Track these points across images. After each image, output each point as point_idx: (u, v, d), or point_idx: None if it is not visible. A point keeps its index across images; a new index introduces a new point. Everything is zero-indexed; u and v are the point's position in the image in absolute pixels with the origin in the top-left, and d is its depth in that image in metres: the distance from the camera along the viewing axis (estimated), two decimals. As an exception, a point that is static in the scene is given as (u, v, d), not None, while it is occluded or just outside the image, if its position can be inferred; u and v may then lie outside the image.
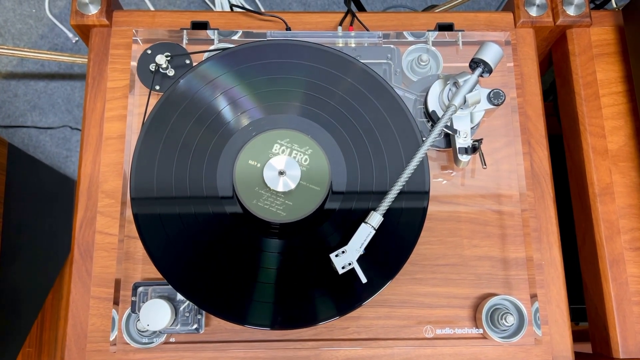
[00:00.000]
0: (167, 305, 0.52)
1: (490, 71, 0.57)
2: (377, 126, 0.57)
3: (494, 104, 0.59)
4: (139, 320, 0.53)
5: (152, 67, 0.61)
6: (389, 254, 0.55)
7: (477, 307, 0.59)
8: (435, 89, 0.60)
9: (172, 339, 0.57)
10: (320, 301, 0.54)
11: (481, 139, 0.57)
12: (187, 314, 0.55)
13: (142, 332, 0.55)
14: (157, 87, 0.61)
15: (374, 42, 0.64)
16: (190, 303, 0.55)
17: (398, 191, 0.54)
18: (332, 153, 0.56)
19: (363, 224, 0.52)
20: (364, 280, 0.51)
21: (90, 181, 0.64)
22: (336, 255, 0.52)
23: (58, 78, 1.31)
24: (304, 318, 0.53)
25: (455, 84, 0.57)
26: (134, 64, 0.64)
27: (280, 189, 0.54)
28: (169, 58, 0.61)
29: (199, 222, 0.54)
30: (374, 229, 0.52)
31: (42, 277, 1.06)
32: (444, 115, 0.56)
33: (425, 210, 0.55)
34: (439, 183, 0.63)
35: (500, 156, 0.64)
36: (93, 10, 0.69)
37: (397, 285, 0.60)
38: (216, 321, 0.58)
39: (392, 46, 0.64)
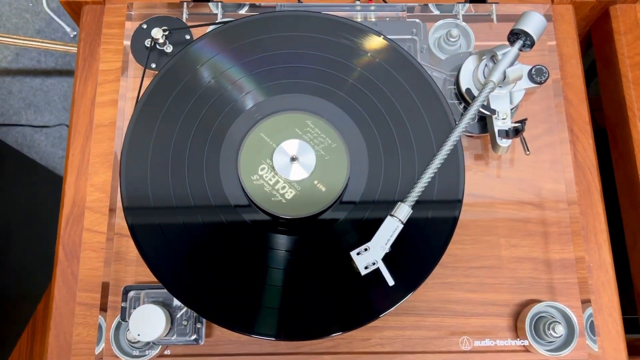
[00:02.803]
0: (162, 312, 0.45)
1: (532, 44, 0.50)
2: (404, 110, 0.50)
3: (536, 82, 0.51)
4: (128, 329, 0.45)
5: (147, 42, 0.54)
6: (418, 254, 0.47)
7: (518, 315, 0.51)
8: (469, 65, 0.52)
9: (168, 352, 0.49)
10: (337, 308, 0.46)
11: (525, 120, 0.49)
12: (184, 323, 0.47)
13: (133, 343, 0.47)
14: (153, 65, 0.54)
15: (396, 16, 0.57)
16: (189, 310, 0.47)
17: (428, 180, 0.46)
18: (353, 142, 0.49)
19: (389, 217, 0.45)
20: (391, 282, 0.44)
21: (78, 173, 0.57)
22: (358, 254, 0.44)
23: (55, 75, 1.24)
24: (319, 328, 0.46)
25: (493, 57, 0.50)
26: (127, 42, 0.57)
27: (291, 177, 0.47)
28: (166, 32, 0.54)
29: (198, 216, 0.47)
30: (402, 222, 0.45)
31: (34, 282, 0.99)
32: (480, 92, 0.48)
33: (460, 202, 0.48)
34: (472, 174, 0.55)
35: (540, 145, 0.57)
36: (84, -15, 0.62)
37: (426, 290, 0.52)
38: (219, 331, 0.51)
39: (417, 20, 0.57)
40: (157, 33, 0.53)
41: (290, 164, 0.48)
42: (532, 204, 0.55)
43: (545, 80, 0.51)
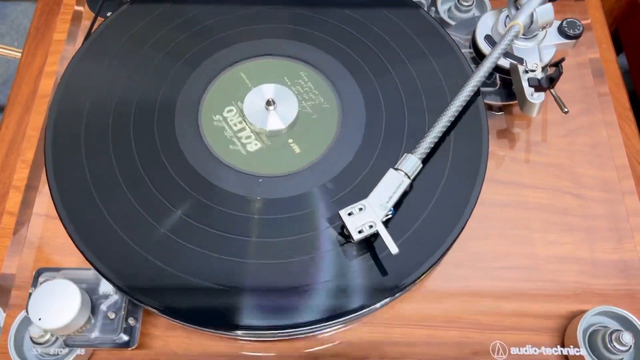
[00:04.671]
0: (75, 290, 0.32)
1: (562, -8, 0.42)
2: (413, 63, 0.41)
3: (569, 37, 0.42)
4: (27, 314, 0.32)
5: (106, -7, 0.46)
6: (428, 229, 0.36)
7: (564, 329, 0.38)
8: (486, 21, 0.44)
9: (81, 351, 0.36)
10: (313, 295, 0.33)
11: (562, 60, 0.40)
12: (111, 316, 0.34)
13: (40, 342, 0.34)
14: (109, 14, 0.45)
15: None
16: (121, 298, 0.35)
17: (443, 130, 0.36)
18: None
19: (391, 170, 0.34)
20: (394, 250, 0.31)
21: (9, 147, 0.47)
22: (349, 214, 0.32)
23: None
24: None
25: (517, 2, 0.41)
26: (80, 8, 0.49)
27: (261, 126, 0.36)
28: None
29: (139, 168, 0.36)
30: (408, 177, 0.34)
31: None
32: (503, 37, 0.39)
33: (486, 156, 0.37)
34: (494, 158, 0.45)
35: (576, 126, 0.47)
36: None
37: (442, 296, 0.40)
38: (161, 340, 0.37)
39: (423, -16, 0.49)
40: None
41: (266, 111, 0.37)
42: (572, 194, 0.44)
43: (579, 35, 0.42)
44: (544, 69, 0.42)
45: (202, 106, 0.37)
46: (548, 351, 0.36)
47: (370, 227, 0.32)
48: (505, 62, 0.42)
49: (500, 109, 0.46)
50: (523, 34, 0.41)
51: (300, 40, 0.42)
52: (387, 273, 0.33)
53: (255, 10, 0.43)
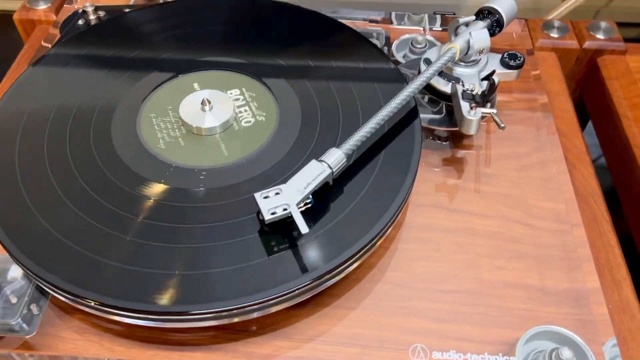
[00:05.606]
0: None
1: (501, 26, 0.44)
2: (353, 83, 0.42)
3: (510, 67, 0.43)
4: None
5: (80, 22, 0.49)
6: (337, 232, 0.34)
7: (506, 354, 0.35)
8: (432, 55, 0.45)
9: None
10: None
11: (494, 71, 0.40)
12: (13, 300, 0.32)
13: None
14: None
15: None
16: (25, 280, 0.33)
17: (372, 130, 0.36)
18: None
19: (314, 161, 0.33)
20: (304, 229, 0.30)
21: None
22: (265, 197, 0.31)
23: None
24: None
25: (457, 29, 0.43)
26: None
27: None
28: (99, 13, 0.49)
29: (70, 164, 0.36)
30: (330, 168, 0.33)
31: None
32: (440, 56, 0.40)
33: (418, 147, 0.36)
34: (441, 186, 0.44)
35: (530, 162, 0.46)
36: (43, 5, 0.60)
37: (375, 313, 0.37)
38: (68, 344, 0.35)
39: (379, 28, 0.51)
40: (89, 7, 0.48)
41: (201, 111, 0.38)
42: (522, 223, 0.42)
43: (520, 65, 0.43)
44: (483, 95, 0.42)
45: (144, 107, 0.39)
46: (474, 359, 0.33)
47: (285, 210, 0.31)
48: (448, 88, 0.43)
49: (451, 139, 0.46)
50: (463, 61, 0.42)
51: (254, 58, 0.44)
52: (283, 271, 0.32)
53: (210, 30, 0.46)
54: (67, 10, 0.58)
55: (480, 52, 0.41)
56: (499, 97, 0.50)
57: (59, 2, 0.60)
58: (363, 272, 0.39)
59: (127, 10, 0.51)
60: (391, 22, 0.53)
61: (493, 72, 0.41)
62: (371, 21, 0.53)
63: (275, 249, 0.32)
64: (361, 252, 0.34)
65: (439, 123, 0.44)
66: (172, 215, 0.35)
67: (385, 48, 0.49)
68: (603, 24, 0.59)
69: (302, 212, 0.32)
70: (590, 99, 0.60)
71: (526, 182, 0.44)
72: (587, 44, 0.58)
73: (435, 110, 0.45)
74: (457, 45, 0.40)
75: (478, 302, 0.38)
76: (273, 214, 0.31)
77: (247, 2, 0.50)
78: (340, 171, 0.34)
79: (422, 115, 0.45)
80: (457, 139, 0.46)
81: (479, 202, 0.43)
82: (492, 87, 0.39)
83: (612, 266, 0.42)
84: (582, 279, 0.39)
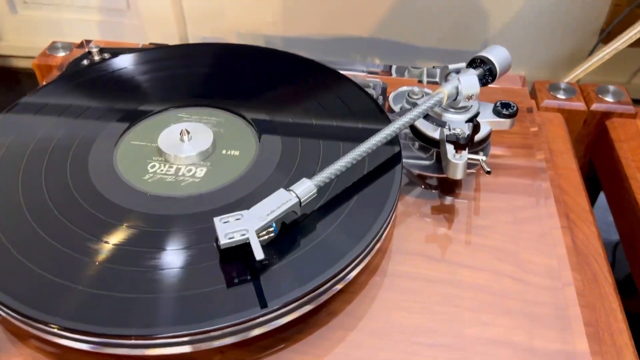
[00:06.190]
0: None
1: (494, 76, 0.43)
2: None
3: (502, 116, 0.42)
4: None
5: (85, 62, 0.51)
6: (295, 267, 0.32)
7: (487, 418, 0.31)
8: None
9: None
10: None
11: (477, 114, 0.39)
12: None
13: None
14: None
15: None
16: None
17: (346, 166, 0.35)
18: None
19: (282, 189, 0.32)
20: (259, 256, 0.28)
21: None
22: (224, 222, 0.30)
23: None
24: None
25: (447, 75, 0.42)
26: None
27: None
28: (104, 54, 0.51)
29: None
30: (298, 197, 0.32)
31: None
32: (427, 99, 0.40)
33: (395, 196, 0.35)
34: (430, 235, 0.42)
35: (525, 216, 0.44)
36: (62, 53, 0.63)
37: (345, 362, 0.34)
38: None
39: (377, 80, 0.51)
40: (94, 49, 0.50)
41: (180, 142, 0.38)
42: (513, 278, 0.39)
43: (513, 114, 0.42)
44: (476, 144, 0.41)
45: (126, 137, 0.39)
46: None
47: (243, 235, 0.29)
48: (437, 134, 0.42)
49: (445, 189, 0.44)
50: (452, 107, 0.41)
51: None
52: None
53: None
54: (77, 52, 0.60)
55: (469, 97, 0.40)
56: (498, 151, 0.49)
57: (77, 50, 0.63)
58: (336, 319, 0.36)
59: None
60: (390, 74, 0.53)
61: (477, 114, 0.40)
62: (370, 73, 0.53)
63: (236, 280, 0.31)
64: (313, 294, 0.32)
65: (428, 169, 0.43)
66: (141, 241, 0.34)
67: (381, 98, 0.49)
68: (612, 88, 0.58)
69: (267, 243, 0.31)
70: (599, 162, 0.58)
71: (521, 236, 0.42)
72: (595, 106, 0.57)
73: (425, 156, 0.43)
74: (445, 90, 0.40)
75: (458, 357, 0.35)
76: (230, 238, 0.29)
77: (232, 48, 0.51)
78: (307, 201, 0.33)
79: (411, 161, 0.44)
80: (451, 189, 0.45)
81: (469, 253, 0.41)
82: (476, 129, 0.38)
83: (614, 331, 0.38)
84: (572, 340, 0.35)
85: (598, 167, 0.58)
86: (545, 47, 0.93)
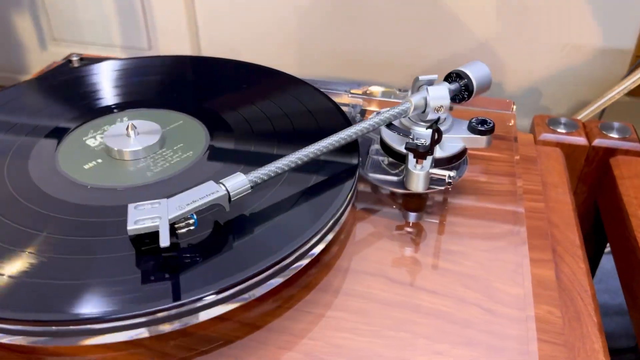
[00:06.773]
0: None
1: (470, 93, 0.40)
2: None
3: (476, 132, 0.39)
4: None
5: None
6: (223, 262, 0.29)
7: None
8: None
9: None
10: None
11: (437, 119, 0.35)
12: None
13: None
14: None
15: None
16: None
17: (284, 167, 0.32)
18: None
19: (211, 182, 0.30)
20: (164, 243, 0.25)
21: None
22: (139, 208, 0.28)
23: None
24: None
25: (419, 88, 0.40)
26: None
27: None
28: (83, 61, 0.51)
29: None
30: (227, 190, 0.29)
31: None
32: (392, 108, 0.37)
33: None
34: (392, 257, 0.38)
35: (501, 245, 0.40)
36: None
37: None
38: None
39: (358, 102, 0.49)
40: (74, 57, 0.50)
41: (126, 136, 0.36)
42: (480, 307, 0.35)
43: (489, 130, 0.39)
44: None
45: (70, 134, 0.38)
46: None
47: (153, 222, 0.27)
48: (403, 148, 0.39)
49: (415, 209, 0.41)
50: (422, 120, 0.39)
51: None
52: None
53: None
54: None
55: (438, 109, 0.37)
56: (482, 178, 0.45)
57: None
58: (273, 337, 0.33)
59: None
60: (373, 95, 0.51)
61: (438, 120, 0.37)
62: (352, 94, 0.51)
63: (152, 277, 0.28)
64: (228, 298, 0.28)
65: (396, 185, 0.39)
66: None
67: (359, 117, 0.47)
68: (617, 124, 0.54)
69: (184, 234, 0.28)
70: (602, 202, 0.54)
71: (494, 265, 0.38)
72: (597, 142, 0.53)
73: (394, 172, 0.40)
74: (412, 100, 0.37)
75: (403, 389, 0.30)
76: (140, 225, 0.27)
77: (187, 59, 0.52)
78: (239, 197, 0.30)
79: (380, 177, 0.41)
80: (422, 208, 0.41)
81: (434, 278, 0.37)
82: (436, 135, 0.34)
83: (594, 376, 0.33)
84: (544, 381, 0.30)
85: (601, 208, 0.54)
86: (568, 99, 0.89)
